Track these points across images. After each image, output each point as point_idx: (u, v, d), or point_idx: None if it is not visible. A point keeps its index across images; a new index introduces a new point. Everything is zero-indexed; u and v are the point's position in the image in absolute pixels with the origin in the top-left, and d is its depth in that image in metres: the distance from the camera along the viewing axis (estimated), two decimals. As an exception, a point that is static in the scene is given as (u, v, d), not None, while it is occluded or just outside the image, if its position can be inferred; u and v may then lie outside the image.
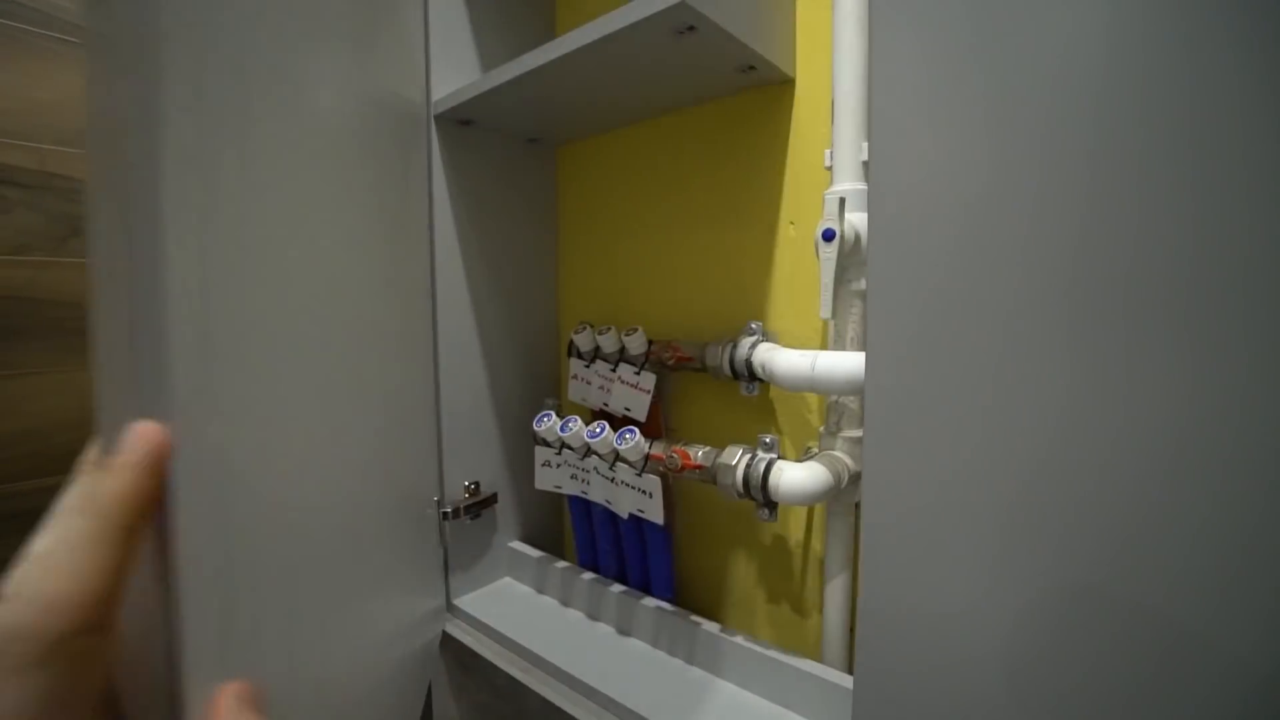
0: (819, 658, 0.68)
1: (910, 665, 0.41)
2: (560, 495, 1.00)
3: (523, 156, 0.91)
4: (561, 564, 0.85)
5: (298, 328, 0.56)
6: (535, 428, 0.77)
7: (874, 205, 0.37)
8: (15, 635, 0.19)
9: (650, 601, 0.74)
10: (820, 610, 0.71)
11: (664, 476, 0.68)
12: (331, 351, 0.65)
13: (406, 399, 0.76)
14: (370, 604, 0.71)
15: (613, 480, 0.73)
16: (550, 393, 0.97)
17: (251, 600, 0.42)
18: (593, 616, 0.79)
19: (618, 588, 0.77)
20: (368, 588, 0.71)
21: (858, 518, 0.66)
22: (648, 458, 0.68)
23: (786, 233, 0.71)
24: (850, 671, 0.61)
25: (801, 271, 0.70)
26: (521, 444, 0.92)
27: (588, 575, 0.81)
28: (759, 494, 0.59)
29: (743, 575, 0.79)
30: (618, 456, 0.71)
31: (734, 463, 0.60)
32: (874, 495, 0.41)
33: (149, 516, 0.25)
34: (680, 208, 0.80)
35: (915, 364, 0.37)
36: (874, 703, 0.43)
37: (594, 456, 0.74)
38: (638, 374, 0.78)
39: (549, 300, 0.97)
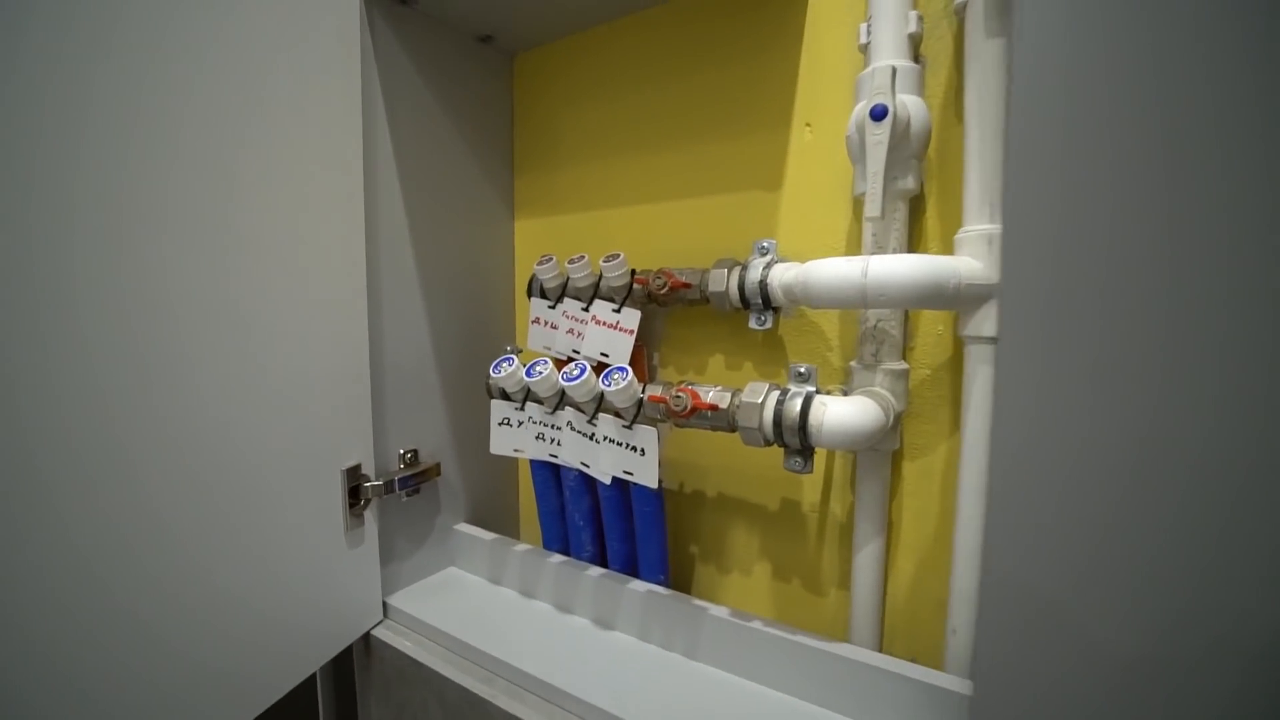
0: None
1: (1049, 667, 0.30)
2: (519, 463, 0.86)
3: (474, 60, 0.75)
4: (522, 547, 0.69)
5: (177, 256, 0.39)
6: (492, 375, 0.62)
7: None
8: None
9: (638, 585, 0.60)
10: (840, 585, 0.60)
11: (657, 426, 0.55)
12: (227, 285, 0.48)
13: (327, 345, 0.59)
14: (260, 603, 0.53)
15: (591, 437, 0.59)
16: (504, 341, 0.81)
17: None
18: (564, 608, 0.65)
19: (596, 571, 0.63)
20: (255, 581, 0.53)
21: (896, 473, 0.56)
22: (641, 403, 0.54)
23: (801, 137, 0.60)
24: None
25: (818, 182, 0.59)
26: (469, 403, 0.76)
27: (556, 558, 0.66)
28: (794, 437, 0.46)
29: (741, 548, 0.66)
30: (599, 405, 0.57)
31: (760, 400, 0.48)
32: (1006, 456, 0.29)
33: None
34: (668, 117, 0.67)
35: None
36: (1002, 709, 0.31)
37: (568, 409, 0.60)
38: (617, 311, 0.65)
39: (503, 232, 0.81)
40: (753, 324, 0.57)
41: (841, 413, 0.46)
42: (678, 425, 0.54)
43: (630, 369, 0.54)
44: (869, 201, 0.47)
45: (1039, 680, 0.31)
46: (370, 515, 0.64)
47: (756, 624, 0.53)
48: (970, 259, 0.45)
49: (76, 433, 0.41)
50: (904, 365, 0.52)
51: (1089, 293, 0.29)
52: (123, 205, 0.44)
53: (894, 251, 0.50)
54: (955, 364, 0.53)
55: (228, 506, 0.51)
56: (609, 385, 0.53)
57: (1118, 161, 0.28)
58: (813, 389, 0.48)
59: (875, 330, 0.52)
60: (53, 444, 0.40)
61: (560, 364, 0.61)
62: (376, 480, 0.64)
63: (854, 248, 0.57)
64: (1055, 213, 0.29)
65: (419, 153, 0.69)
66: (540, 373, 0.58)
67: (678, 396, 0.50)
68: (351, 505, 0.61)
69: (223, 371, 0.51)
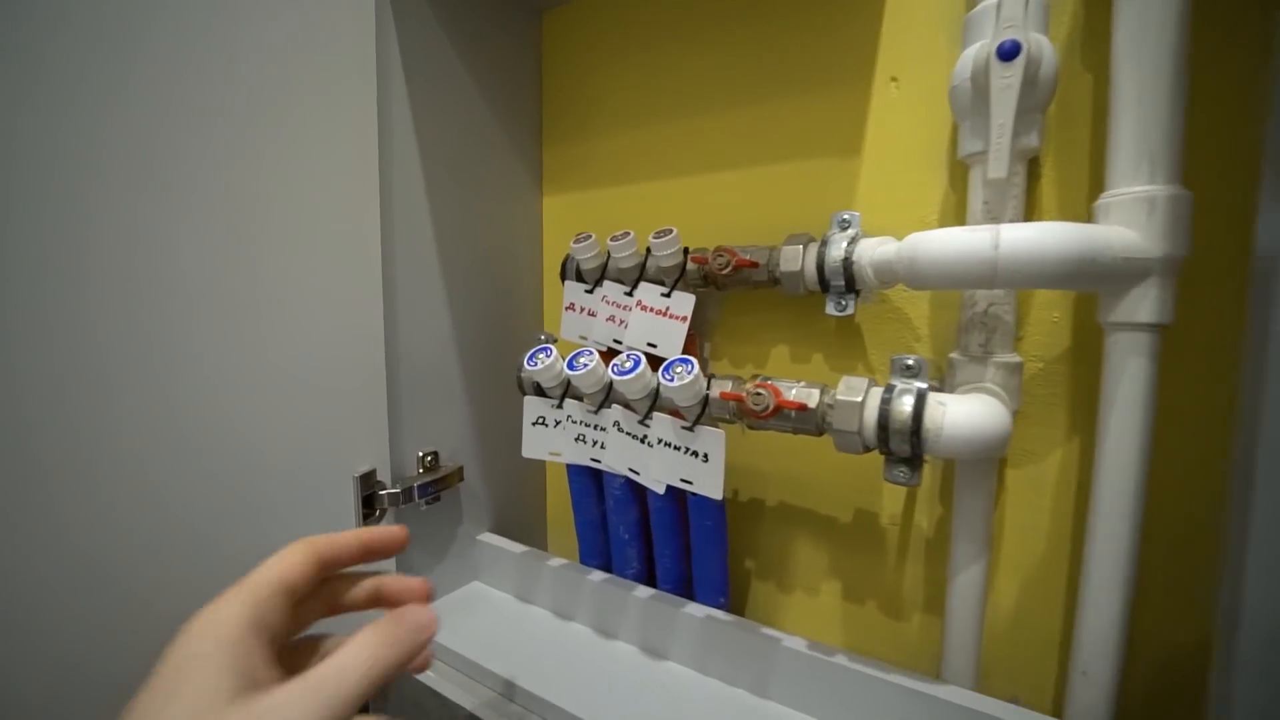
0: (935, 677, 0.50)
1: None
2: (546, 466, 0.78)
3: (498, 18, 0.67)
4: (556, 561, 0.62)
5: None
6: (527, 367, 0.54)
7: None
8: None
9: (695, 609, 0.53)
10: (925, 609, 0.53)
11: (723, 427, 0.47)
12: (225, 270, 0.41)
13: (338, 336, 0.51)
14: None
15: (643, 440, 0.51)
16: (531, 330, 0.73)
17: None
18: (607, 632, 0.57)
19: (644, 592, 0.56)
20: None
21: (999, 482, 0.48)
22: (706, 401, 0.46)
23: (885, 93, 0.51)
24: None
25: (905, 145, 0.51)
26: (494, 399, 0.68)
27: (596, 575, 0.59)
28: (903, 443, 0.39)
29: (806, 565, 0.59)
30: (654, 403, 0.49)
31: (860, 398, 0.40)
32: None
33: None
34: (722, 76, 0.59)
35: None
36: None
37: (615, 407, 0.52)
38: (667, 295, 0.57)
39: (530, 209, 0.73)
40: (830, 309, 0.49)
41: (966, 414, 0.38)
42: (751, 427, 0.46)
43: (695, 361, 0.46)
44: (994, 160, 0.39)
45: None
46: (386, 525, 0.56)
47: (841, 659, 0.45)
48: (1122, 228, 0.37)
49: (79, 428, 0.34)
50: (1018, 358, 0.44)
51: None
52: (124, 184, 0.36)
53: (1011, 222, 0.43)
54: (1076, 357, 0.45)
55: (225, 518, 0.44)
56: (670, 380, 0.45)
57: None
58: (923, 385, 0.40)
59: (986, 316, 0.44)
60: (55, 440, 0.34)
61: (606, 355, 0.53)
62: (393, 487, 0.56)
63: (951, 220, 0.49)
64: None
65: (439, 121, 0.61)
66: (585, 365, 0.50)
67: (758, 394, 0.42)
68: (365, 516, 0.54)
69: (220, 367, 0.43)
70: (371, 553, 0.33)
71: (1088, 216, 0.41)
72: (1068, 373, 0.46)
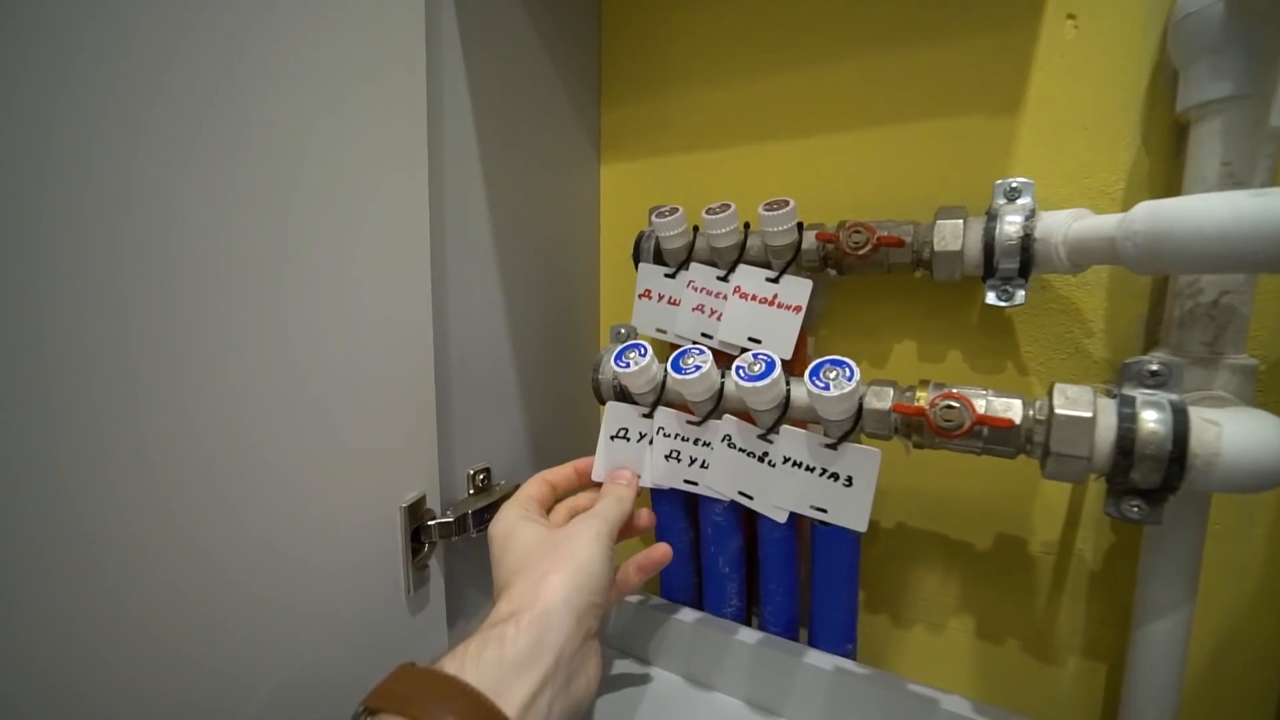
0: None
1: None
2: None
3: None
4: (633, 596, 0.52)
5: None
6: (615, 369, 0.44)
7: None
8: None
9: (818, 658, 0.44)
10: (1083, 654, 0.45)
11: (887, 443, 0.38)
12: (247, 261, 0.31)
13: (383, 341, 0.41)
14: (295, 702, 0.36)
15: (763, 458, 0.42)
16: (582, 324, 0.63)
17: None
18: (701, 683, 0.48)
19: (750, 635, 0.46)
20: (287, 674, 0.36)
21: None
22: (859, 414, 0.37)
23: (1060, 35, 0.42)
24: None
25: (1083, 100, 0.42)
26: (552, 403, 0.58)
27: (689, 614, 0.49)
28: (1156, 472, 0.30)
29: (931, 597, 0.50)
30: (783, 414, 0.40)
31: (1091, 413, 0.31)
32: None
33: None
34: (835, 15, 0.49)
35: None
36: None
37: (727, 418, 0.43)
38: (775, 280, 0.47)
39: (588, 182, 0.62)
40: (993, 299, 0.40)
41: (1249, 437, 0.29)
42: (920, 446, 0.37)
43: (853, 365, 0.36)
44: None
45: None
46: (435, 563, 0.46)
47: (1021, 728, 0.37)
48: None
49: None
50: (1253, 360, 0.36)
51: None
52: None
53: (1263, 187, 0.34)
54: (1309, 357, 0.37)
55: (252, 569, 0.33)
56: (824, 388, 0.35)
57: None
58: (1175, 397, 0.31)
59: (1216, 309, 0.35)
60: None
61: (720, 356, 0.43)
62: (444, 516, 0.46)
63: (1143, 193, 0.40)
64: None
65: (493, 77, 0.49)
66: (698, 368, 0.40)
67: (949, 407, 0.33)
68: (414, 554, 0.44)
69: (245, 373, 0.32)
70: (583, 476, 0.48)
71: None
72: (1297, 377, 0.38)
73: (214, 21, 0.30)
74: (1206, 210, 0.30)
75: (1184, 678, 0.39)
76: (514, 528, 0.40)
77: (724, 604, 0.49)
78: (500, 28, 0.50)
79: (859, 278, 0.49)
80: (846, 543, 0.42)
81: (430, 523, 0.45)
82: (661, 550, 0.45)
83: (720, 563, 0.48)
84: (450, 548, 0.48)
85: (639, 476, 0.45)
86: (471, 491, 0.50)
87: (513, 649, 0.31)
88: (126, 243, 0.28)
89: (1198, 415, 0.30)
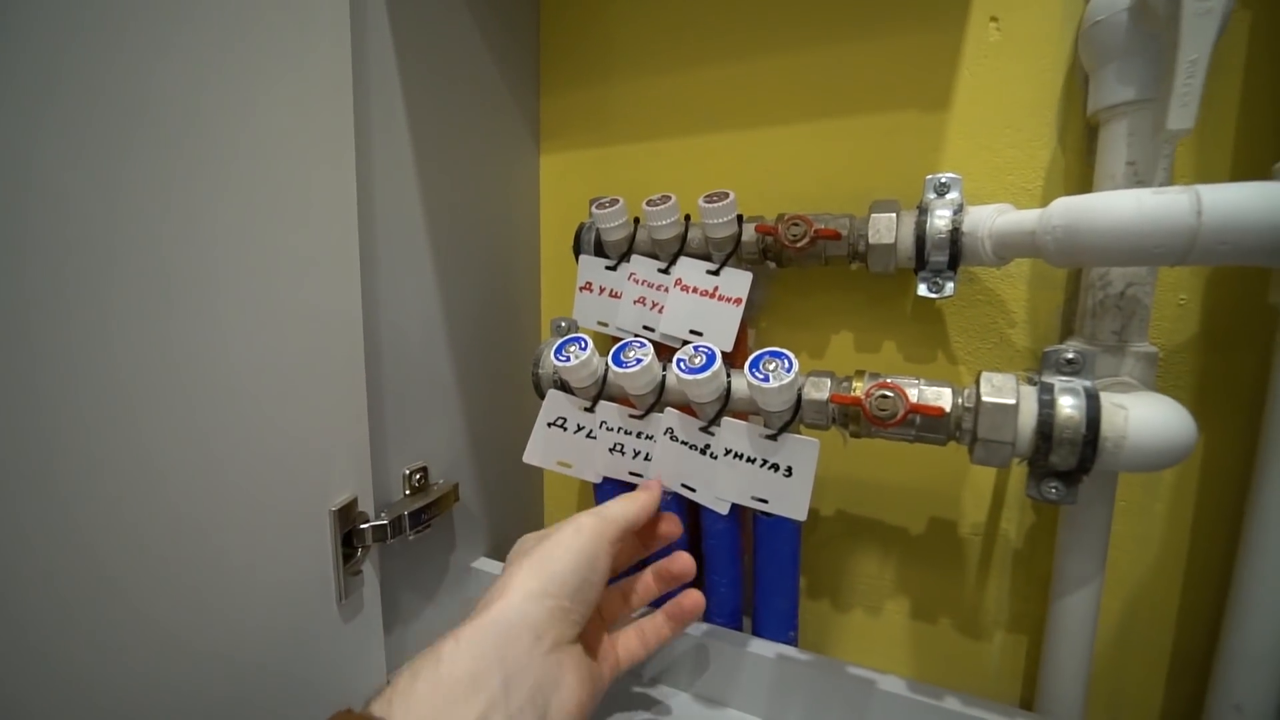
0: (1026, 706, 0.44)
1: None
2: (545, 476, 0.66)
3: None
4: (577, 592, 0.52)
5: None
6: (555, 363, 0.43)
7: None
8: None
9: (761, 646, 0.44)
10: (1009, 629, 0.47)
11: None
12: (152, 240, 0.28)
13: (307, 332, 0.38)
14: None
15: (704, 450, 0.42)
16: (521, 317, 0.61)
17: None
18: (647, 677, 0.48)
19: (695, 627, 0.47)
20: (214, 689, 0.34)
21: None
22: (799, 403, 0.37)
23: (984, 36, 0.44)
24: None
25: (1007, 99, 0.43)
26: (491, 398, 0.57)
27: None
28: (1072, 454, 0.31)
29: (869, 581, 0.52)
30: (724, 406, 0.40)
31: (1014, 400, 0.32)
32: None
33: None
34: (779, 11, 0.49)
35: None
36: None
37: (669, 411, 0.42)
38: (715, 273, 0.47)
39: (528, 169, 0.61)
40: (924, 291, 0.41)
41: (1153, 420, 0.31)
42: (857, 435, 0.37)
43: (792, 356, 0.37)
44: (1178, 107, 0.32)
45: None
46: (369, 567, 0.44)
47: (953, 702, 0.39)
48: (1336, 192, 0.30)
49: None
50: (1154, 348, 0.38)
51: None
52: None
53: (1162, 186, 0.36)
54: (1204, 344, 0.40)
55: (159, 580, 0.31)
56: (763, 379, 0.36)
57: None
58: (1089, 383, 0.33)
59: (1123, 299, 0.37)
60: None
61: (662, 349, 0.43)
62: (379, 519, 0.44)
63: (1060, 190, 0.42)
64: None
65: (424, 55, 0.47)
66: (639, 361, 0.40)
67: (884, 396, 0.34)
68: (345, 559, 0.41)
69: (149, 371, 0.30)
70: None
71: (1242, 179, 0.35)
72: (1194, 362, 0.41)
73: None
74: (1117, 206, 0.31)
75: (1095, 643, 0.41)
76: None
77: (668, 596, 0.49)
78: (432, 8, 0.48)
79: (798, 270, 0.49)
80: (787, 532, 0.43)
81: (363, 526, 0.43)
82: (682, 564, 0.39)
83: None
84: (386, 551, 0.46)
85: (660, 482, 0.42)
86: (408, 492, 0.49)
87: (449, 673, 0.26)
88: (9, 239, 0.25)
89: (1108, 400, 0.32)
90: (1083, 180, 0.41)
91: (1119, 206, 0.31)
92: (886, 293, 0.48)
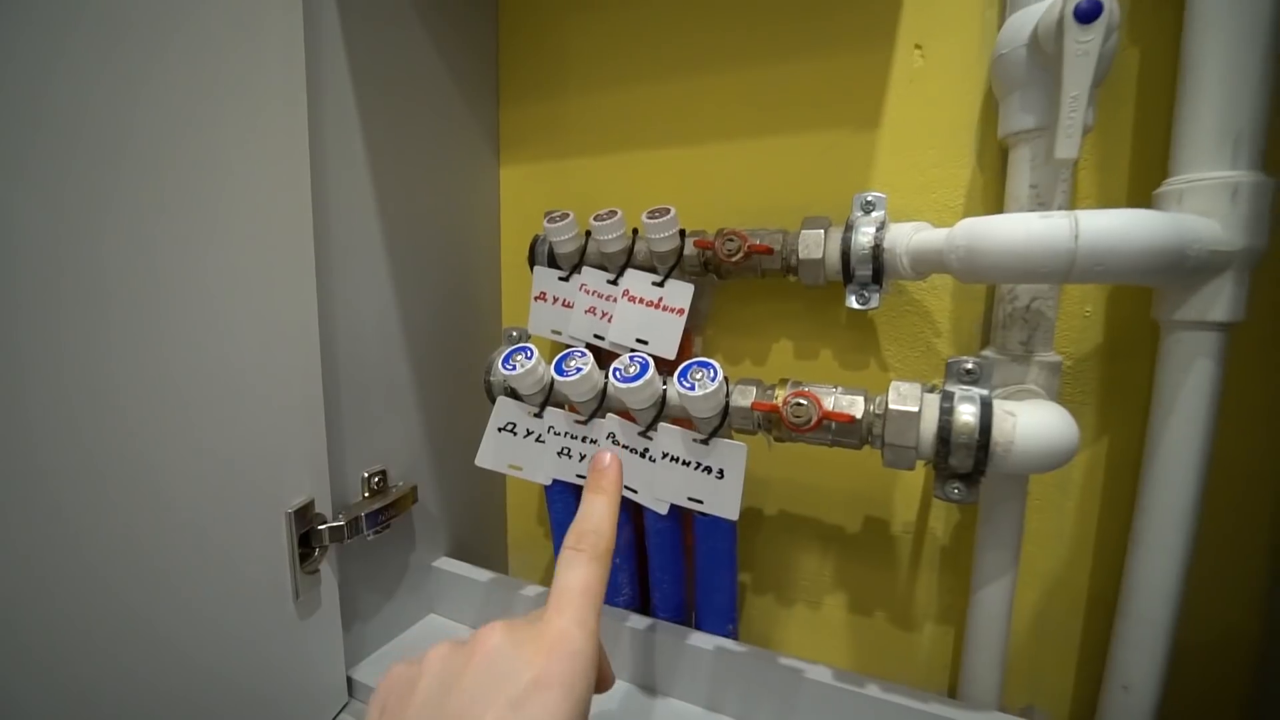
0: (953, 692, 0.47)
1: None
2: (505, 481, 0.69)
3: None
4: (531, 589, 0.54)
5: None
6: (503, 370, 0.45)
7: None
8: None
9: (701, 639, 0.47)
10: (938, 620, 0.50)
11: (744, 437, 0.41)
12: (105, 248, 0.30)
13: (262, 335, 0.40)
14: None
15: (644, 454, 0.44)
16: (482, 325, 0.64)
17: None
18: (597, 669, 0.50)
19: (640, 621, 0.49)
20: (173, 690, 0.36)
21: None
22: (727, 410, 0.40)
23: (909, 62, 0.46)
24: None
25: (930, 121, 0.46)
26: (449, 406, 0.59)
27: (582, 604, 0.51)
28: (967, 458, 0.34)
29: (810, 577, 0.55)
30: (660, 413, 0.42)
31: (917, 408, 0.35)
32: None
33: None
34: (723, 34, 0.52)
35: None
36: None
37: (610, 417, 0.45)
38: (660, 284, 0.50)
39: (487, 180, 0.63)
40: (852, 303, 0.44)
41: (1038, 425, 0.34)
42: (779, 440, 0.40)
43: (718, 366, 0.39)
44: (1064, 138, 0.34)
45: None
46: (328, 567, 0.46)
47: (874, 689, 0.41)
48: (1203, 217, 0.33)
49: None
50: (1058, 357, 0.41)
51: None
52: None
53: (1061, 209, 0.39)
54: (1107, 353, 0.43)
55: (118, 583, 0.32)
56: (690, 388, 0.38)
57: None
58: (985, 392, 0.35)
59: (1029, 312, 0.40)
60: None
61: (603, 356, 0.45)
62: (336, 520, 0.46)
63: (979, 207, 0.45)
64: None
65: (379, 66, 0.49)
66: (579, 370, 0.42)
67: (799, 404, 0.36)
68: (303, 559, 0.43)
69: (113, 375, 0.31)
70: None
71: (1134, 203, 0.38)
72: (1098, 370, 0.43)
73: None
74: (1008, 229, 0.34)
75: (1012, 631, 0.44)
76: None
77: (617, 593, 0.51)
78: (386, 23, 0.50)
79: (740, 281, 0.52)
80: (723, 531, 0.46)
81: (320, 527, 0.45)
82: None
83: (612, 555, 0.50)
84: (345, 551, 0.48)
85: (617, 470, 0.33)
86: (366, 494, 0.51)
87: None
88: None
89: (1000, 408, 0.35)
90: (998, 199, 0.44)
91: (1010, 229, 0.34)
92: (822, 303, 0.50)
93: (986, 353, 0.43)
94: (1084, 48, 0.33)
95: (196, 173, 0.36)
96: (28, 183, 0.29)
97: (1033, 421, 0.34)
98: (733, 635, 0.48)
